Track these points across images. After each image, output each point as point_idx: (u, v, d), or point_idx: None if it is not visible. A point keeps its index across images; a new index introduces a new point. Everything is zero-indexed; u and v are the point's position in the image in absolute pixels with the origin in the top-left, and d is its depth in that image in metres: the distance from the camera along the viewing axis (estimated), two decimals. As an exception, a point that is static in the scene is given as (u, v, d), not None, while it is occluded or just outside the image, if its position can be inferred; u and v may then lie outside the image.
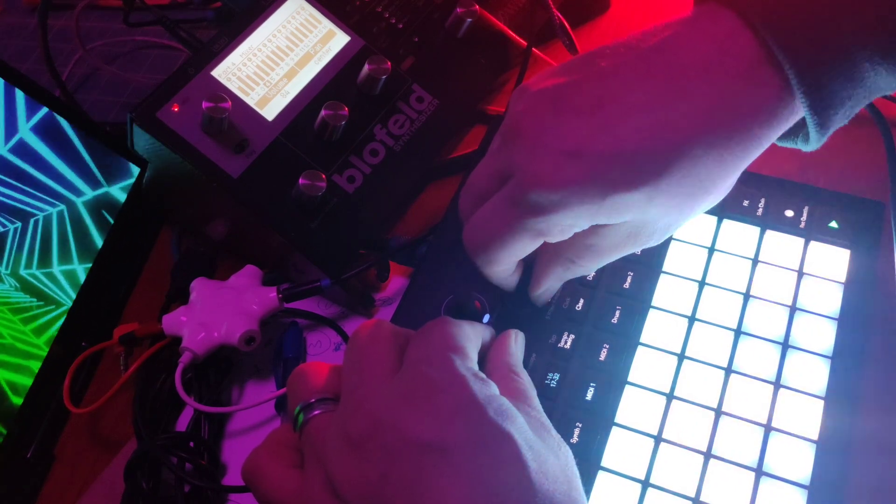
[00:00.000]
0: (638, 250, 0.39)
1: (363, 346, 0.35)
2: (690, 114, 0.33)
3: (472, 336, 0.37)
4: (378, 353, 0.35)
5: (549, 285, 0.43)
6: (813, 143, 0.35)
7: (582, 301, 0.46)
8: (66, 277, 0.55)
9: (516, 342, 0.39)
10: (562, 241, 0.39)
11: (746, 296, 0.45)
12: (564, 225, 0.36)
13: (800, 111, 0.33)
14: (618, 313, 0.45)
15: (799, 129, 0.36)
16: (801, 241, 0.47)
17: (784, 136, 0.37)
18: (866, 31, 0.31)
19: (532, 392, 0.37)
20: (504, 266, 0.40)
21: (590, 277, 0.46)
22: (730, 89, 0.33)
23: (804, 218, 0.47)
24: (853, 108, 0.33)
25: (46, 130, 0.54)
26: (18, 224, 0.53)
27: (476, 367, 0.35)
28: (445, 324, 0.36)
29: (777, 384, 0.42)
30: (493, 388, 0.33)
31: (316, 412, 0.34)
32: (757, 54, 0.32)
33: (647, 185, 0.34)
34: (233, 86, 0.51)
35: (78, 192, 0.56)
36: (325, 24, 0.55)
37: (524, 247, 0.38)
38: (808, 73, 0.32)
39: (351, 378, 0.34)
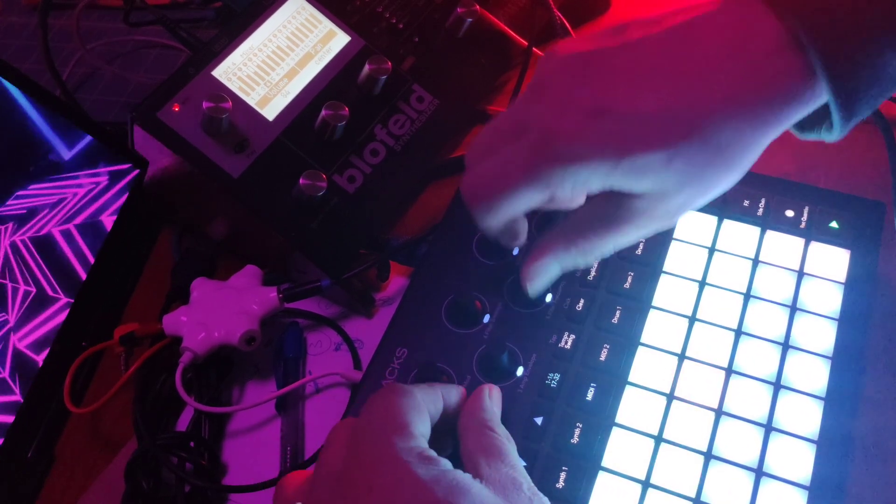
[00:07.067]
0: (649, 232, 0.39)
1: (325, 447, 0.36)
2: (713, 85, 0.34)
3: (424, 404, 0.36)
4: (331, 452, 0.35)
5: (545, 266, 0.42)
6: (836, 131, 0.35)
7: (582, 301, 0.46)
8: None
9: (491, 398, 0.39)
10: (568, 221, 0.39)
11: (747, 296, 0.45)
12: (577, 181, 0.36)
13: (823, 96, 0.34)
14: (618, 313, 0.45)
15: (822, 120, 0.36)
16: (802, 241, 0.47)
17: (808, 129, 0.37)
18: (891, 20, 0.32)
19: (507, 448, 0.36)
20: (501, 220, 0.39)
21: (590, 277, 0.46)
22: (754, 68, 0.33)
23: (804, 218, 0.47)
24: (878, 98, 0.34)
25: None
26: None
27: (424, 442, 0.34)
28: (390, 398, 0.36)
29: (777, 384, 0.42)
30: (441, 466, 0.33)
31: None
32: (783, 39, 0.33)
33: (666, 149, 0.34)
34: (233, 86, 0.51)
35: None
36: (326, 24, 0.55)
37: (530, 199, 0.37)
38: (833, 60, 0.32)
39: (313, 481, 0.35)
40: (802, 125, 0.37)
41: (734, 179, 0.37)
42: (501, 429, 0.37)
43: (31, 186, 0.54)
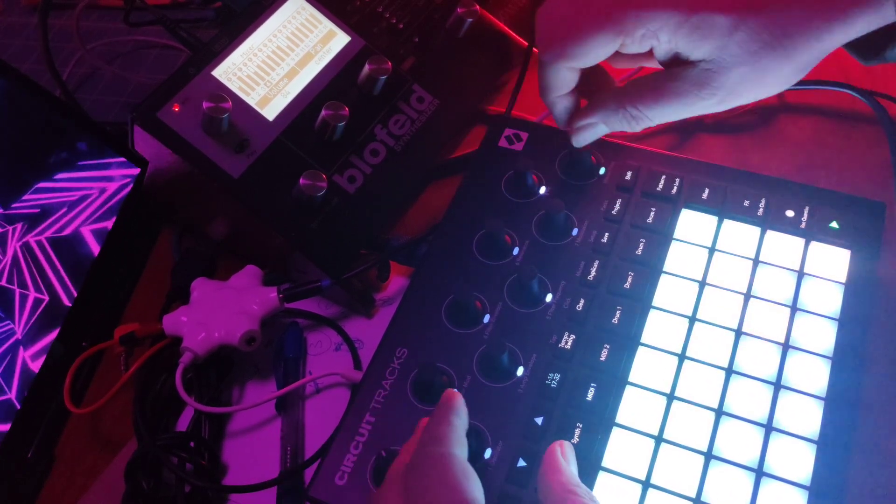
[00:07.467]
0: (695, 111, 0.40)
1: None
2: None
3: (466, 460, 0.37)
4: None
5: (593, 123, 0.44)
6: None
7: (583, 301, 0.46)
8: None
9: (565, 457, 0.38)
10: (622, 88, 0.41)
11: (747, 296, 0.45)
12: (648, 30, 0.37)
13: (890, 10, 0.35)
14: (618, 313, 0.45)
15: (887, 44, 0.38)
16: (802, 241, 0.47)
17: (872, 55, 0.39)
18: None
19: None
20: (570, 69, 0.41)
21: (590, 277, 0.46)
22: None
23: (805, 218, 0.47)
24: None
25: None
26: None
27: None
28: (445, 473, 0.35)
29: (777, 384, 0.42)
30: None
31: None
32: None
33: (734, 14, 0.36)
34: (233, 86, 0.51)
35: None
36: (326, 24, 0.55)
37: (602, 45, 0.39)
38: None
39: None
40: (867, 51, 0.38)
41: (787, 76, 0.38)
42: (582, 488, 0.36)
43: (48, 181, 0.52)
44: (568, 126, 0.47)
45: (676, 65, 0.40)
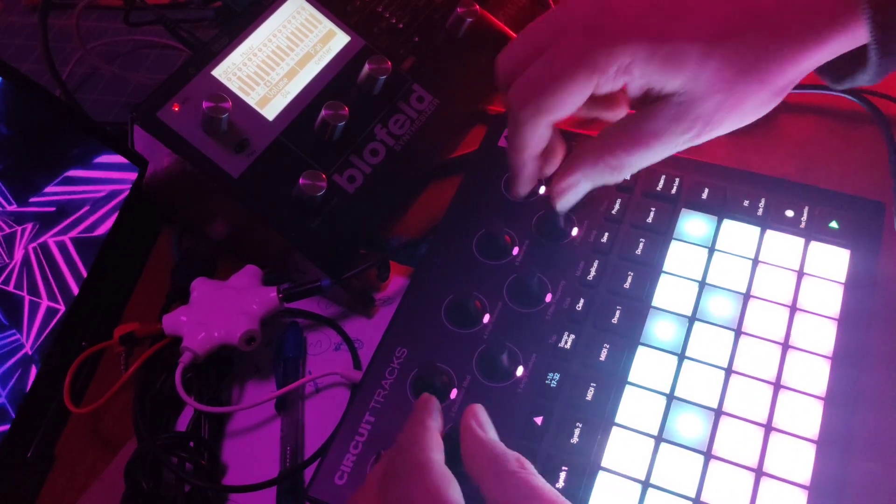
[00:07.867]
0: (676, 148, 0.39)
1: None
2: None
3: (446, 466, 0.36)
4: None
5: (574, 182, 0.43)
6: (871, 69, 0.36)
7: (582, 301, 0.46)
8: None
9: (481, 426, 0.37)
10: (597, 138, 0.40)
11: (747, 296, 0.45)
12: (621, 64, 0.37)
13: (862, 31, 0.34)
14: (618, 313, 0.45)
15: (857, 66, 0.37)
16: (802, 241, 0.47)
17: (843, 77, 0.38)
18: None
19: (534, 481, 0.34)
20: (546, 124, 0.40)
21: (590, 277, 0.46)
22: None
23: (804, 218, 0.47)
24: None
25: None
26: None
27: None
28: (428, 480, 0.34)
29: (777, 384, 0.42)
30: None
31: None
32: None
33: (705, 40, 0.35)
34: (233, 85, 0.51)
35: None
36: (326, 24, 0.55)
37: (579, 88, 0.38)
38: None
39: None
40: (839, 74, 0.38)
41: (764, 101, 0.37)
42: (509, 454, 0.35)
43: (83, 169, 0.51)
44: (551, 188, 0.44)
45: (650, 102, 0.39)
